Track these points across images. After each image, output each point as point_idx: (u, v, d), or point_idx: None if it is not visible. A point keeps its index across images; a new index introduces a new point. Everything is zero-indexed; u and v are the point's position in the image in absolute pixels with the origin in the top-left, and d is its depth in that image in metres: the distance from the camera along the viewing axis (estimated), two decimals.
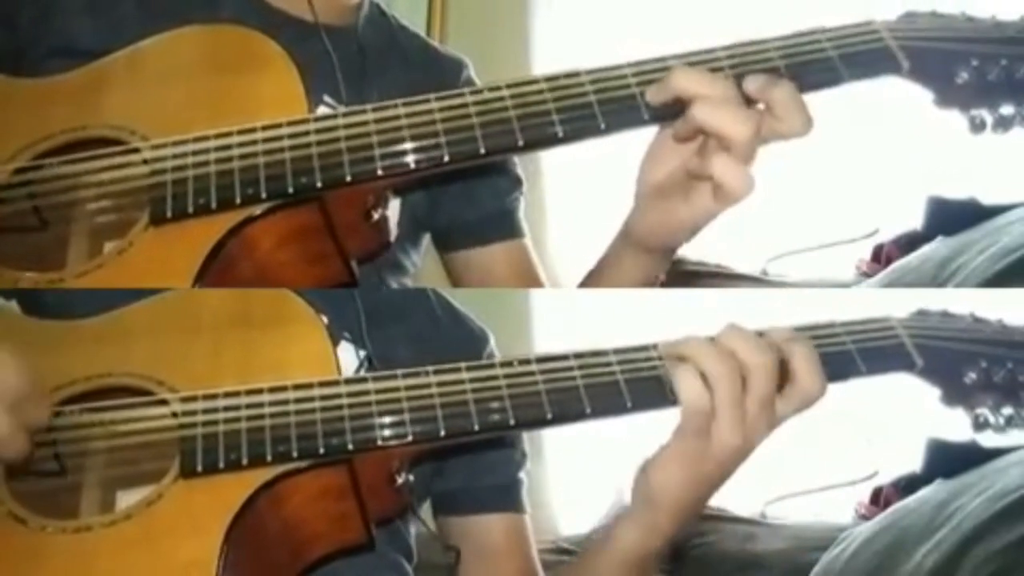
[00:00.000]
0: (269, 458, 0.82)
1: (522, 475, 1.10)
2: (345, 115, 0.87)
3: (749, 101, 0.85)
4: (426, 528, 1.08)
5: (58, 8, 1.01)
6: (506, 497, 1.08)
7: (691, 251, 1.80)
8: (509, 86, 0.87)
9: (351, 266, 0.88)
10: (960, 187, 1.82)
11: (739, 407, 0.83)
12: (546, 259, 1.26)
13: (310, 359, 0.90)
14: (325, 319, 0.95)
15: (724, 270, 1.97)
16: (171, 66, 0.94)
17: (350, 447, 0.83)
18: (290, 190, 0.84)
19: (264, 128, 0.86)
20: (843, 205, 1.93)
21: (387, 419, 0.84)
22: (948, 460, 1.55)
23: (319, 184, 0.84)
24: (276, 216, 0.85)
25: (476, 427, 0.84)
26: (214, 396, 0.86)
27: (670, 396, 0.85)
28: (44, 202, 0.88)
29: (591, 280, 1.01)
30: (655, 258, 0.96)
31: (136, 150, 0.87)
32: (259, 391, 0.86)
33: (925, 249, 1.74)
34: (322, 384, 0.86)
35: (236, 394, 0.86)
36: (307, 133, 0.86)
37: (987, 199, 1.75)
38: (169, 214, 0.84)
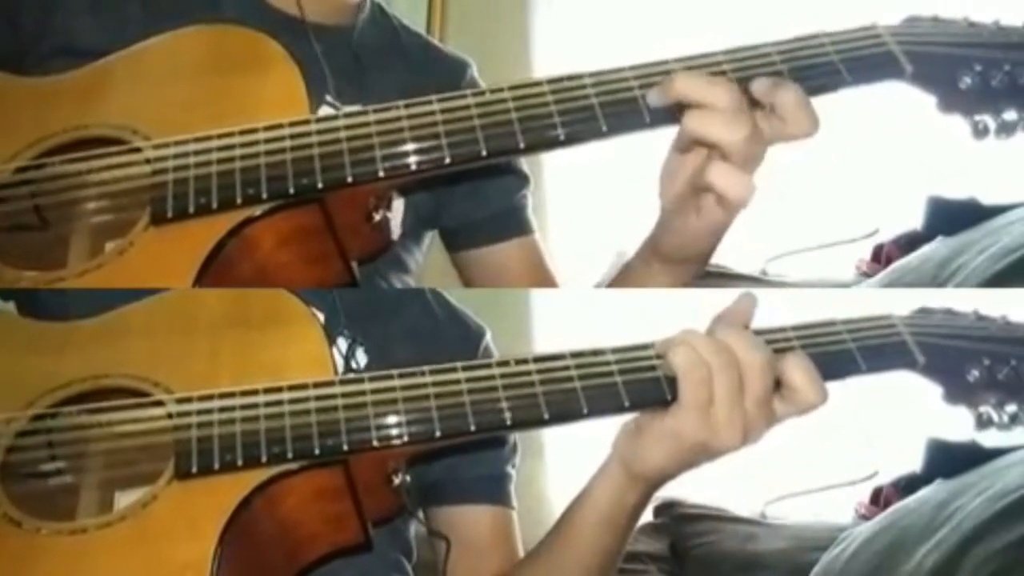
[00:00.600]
0: (264, 459, 0.82)
1: (510, 469, 1.10)
2: (346, 116, 0.86)
3: (756, 104, 0.84)
4: (425, 527, 1.07)
5: (61, 7, 1.01)
6: (492, 489, 1.08)
7: None
8: (511, 88, 0.87)
9: (351, 267, 0.88)
10: (960, 187, 1.82)
11: (737, 400, 0.83)
12: None
13: (307, 360, 0.89)
14: (321, 316, 0.95)
15: (724, 270, 1.97)
16: (173, 66, 0.94)
17: (346, 448, 0.83)
18: (291, 191, 0.84)
19: (266, 128, 0.86)
20: (843, 205, 1.93)
21: (383, 419, 0.83)
22: (948, 460, 1.55)
23: (320, 185, 0.84)
24: (277, 216, 0.84)
25: (472, 427, 0.83)
26: (209, 397, 0.85)
27: (668, 395, 0.84)
28: (45, 201, 0.88)
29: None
30: (680, 270, 0.97)
31: (138, 150, 0.87)
32: (254, 392, 0.85)
33: (925, 249, 1.74)
34: (317, 385, 0.86)
35: (231, 395, 0.85)
36: (309, 134, 0.85)
37: (987, 199, 1.75)
38: (170, 214, 0.84)
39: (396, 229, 1.05)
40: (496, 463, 1.09)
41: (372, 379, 0.86)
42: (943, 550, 1.21)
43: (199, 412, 0.85)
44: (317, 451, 0.82)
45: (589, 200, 2.19)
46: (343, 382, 0.86)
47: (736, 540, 1.81)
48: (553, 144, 0.85)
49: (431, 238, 1.17)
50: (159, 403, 0.86)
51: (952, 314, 0.93)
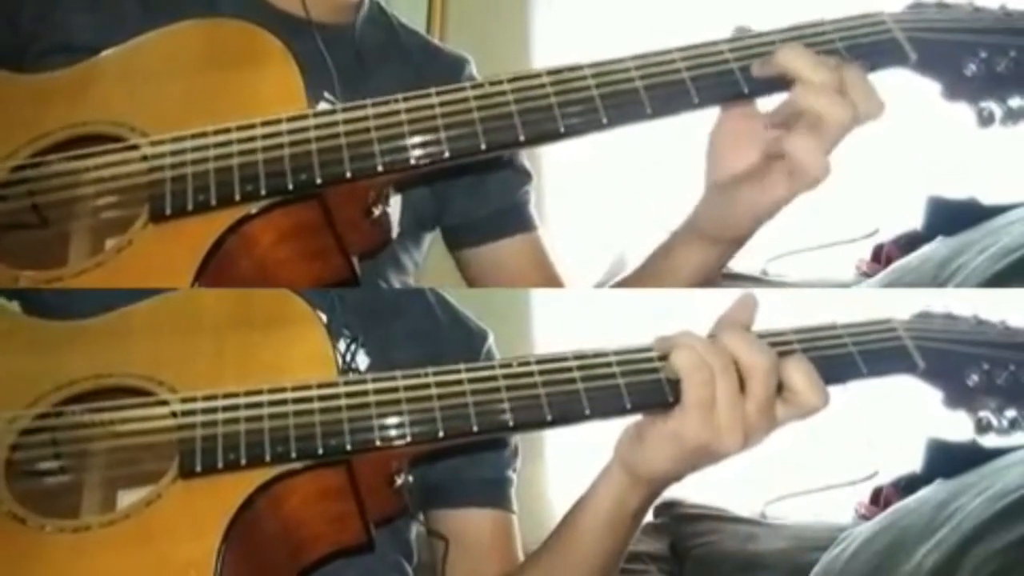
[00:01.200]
0: (268, 459, 0.82)
1: (511, 473, 1.10)
2: (345, 110, 0.86)
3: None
4: (425, 527, 1.08)
5: (59, 5, 1.01)
6: (493, 493, 1.08)
7: None
8: (511, 80, 0.86)
9: (352, 262, 0.88)
10: (960, 187, 1.82)
11: (739, 403, 0.83)
12: None
13: (311, 360, 0.89)
14: (324, 317, 0.95)
15: (724, 270, 1.96)
16: (169, 61, 0.94)
17: (349, 448, 0.83)
18: (289, 186, 0.83)
19: (263, 124, 0.86)
20: (843, 205, 1.93)
21: (386, 420, 0.84)
22: (948, 460, 1.55)
23: (318, 180, 0.83)
24: (275, 213, 0.84)
25: (475, 428, 0.83)
26: (213, 397, 0.86)
27: (670, 397, 0.84)
28: (43, 199, 0.88)
29: (646, 271, 1.01)
30: (721, 249, 0.95)
31: (135, 147, 0.87)
32: (258, 392, 0.85)
33: (925, 249, 1.74)
34: (321, 385, 0.86)
35: (235, 395, 0.86)
36: (307, 129, 0.85)
37: (987, 199, 1.75)
38: (168, 211, 0.84)
39: (394, 227, 1.05)
40: (497, 467, 1.09)
41: (375, 379, 0.86)
42: (943, 550, 1.21)
43: (203, 411, 0.85)
44: (320, 451, 0.83)
45: (588, 201, 2.19)
46: (347, 382, 0.86)
47: (736, 540, 1.81)
48: (553, 136, 0.85)
49: (430, 240, 1.17)
50: (163, 402, 0.86)
51: (952, 318, 0.93)
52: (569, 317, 2.15)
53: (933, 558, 1.21)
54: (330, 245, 0.86)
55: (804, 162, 0.83)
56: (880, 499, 1.85)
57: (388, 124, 0.85)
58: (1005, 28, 0.87)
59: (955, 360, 0.89)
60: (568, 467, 2.15)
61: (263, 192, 0.83)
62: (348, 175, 0.84)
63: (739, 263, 2.01)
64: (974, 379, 0.88)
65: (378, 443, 0.83)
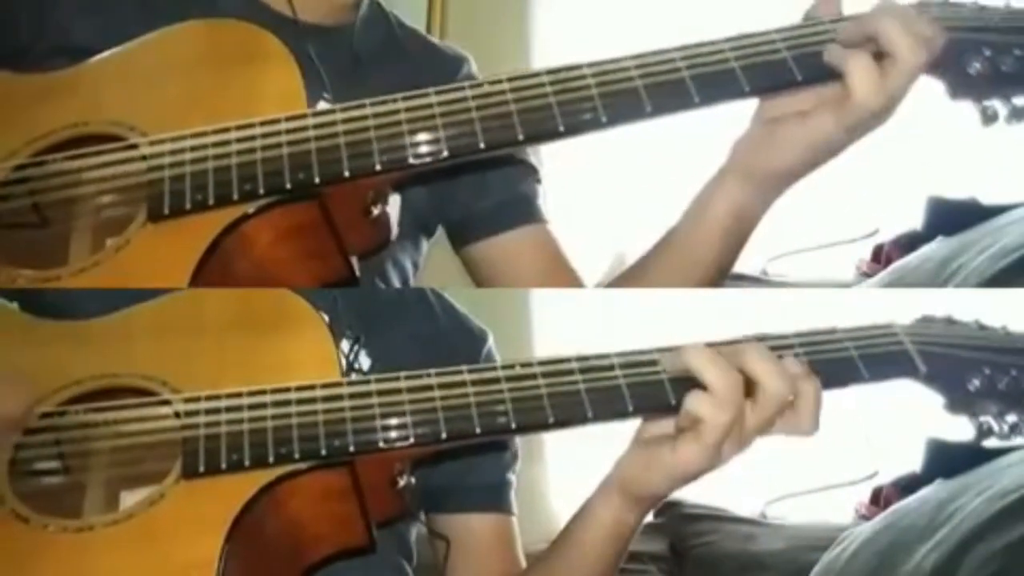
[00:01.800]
0: (271, 459, 0.82)
1: (511, 476, 1.10)
2: (344, 110, 0.86)
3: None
4: (425, 527, 1.08)
5: (58, 7, 1.00)
6: (493, 497, 1.08)
7: None
8: (510, 79, 0.86)
9: (350, 262, 0.88)
10: (960, 187, 1.82)
11: (741, 426, 0.84)
12: None
13: (314, 360, 0.89)
14: (326, 317, 0.95)
15: None
16: (169, 61, 0.94)
17: (352, 449, 0.83)
18: (288, 186, 0.83)
19: (262, 124, 0.86)
20: (843, 205, 1.93)
21: (389, 421, 0.84)
22: (948, 460, 1.55)
23: (317, 180, 0.83)
24: (274, 212, 0.84)
25: (478, 430, 0.84)
26: (216, 397, 0.86)
27: (673, 400, 0.84)
28: (44, 199, 0.88)
29: (677, 224, 0.97)
30: (757, 190, 0.92)
31: (135, 146, 0.87)
32: (262, 392, 0.86)
33: (925, 249, 1.74)
34: (324, 386, 0.86)
35: (238, 395, 0.86)
36: (305, 128, 0.85)
37: (987, 199, 1.75)
38: (166, 211, 0.84)
39: (393, 227, 1.05)
40: (497, 470, 1.09)
41: (378, 381, 0.86)
42: (943, 550, 1.21)
43: (207, 412, 0.85)
44: (324, 452, 0.83)
45: (588, 201, 2.19)
46: (350, 383, 0.86)
47: (736, 540, 1.81)
48: (552, 135, 0.85)
49: (430, 242, 1.16)
50: (166, 402, 0.87)
51: (954, 323, 0.93)
52: (569, 317, 2.15)
53: (933, 558, 1.21)
54: (328, 245, 0.86)
55: (862, 87, 0.82)
56: (880, 499, 1.86)
57: (387, 123, 0.85)
58: (1010, 26, 0.86)
59: (957, 365, 0.89)
60: (569, 469, 2.15)
61: (261, 191, 0.83)
62: (347, 174, 0.84)
63: (739, 263, 2.02)
64: (975, 384, 0.88)
65: (381, 444, 0.83)
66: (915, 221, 1.90)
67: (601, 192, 2.16)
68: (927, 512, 1.33)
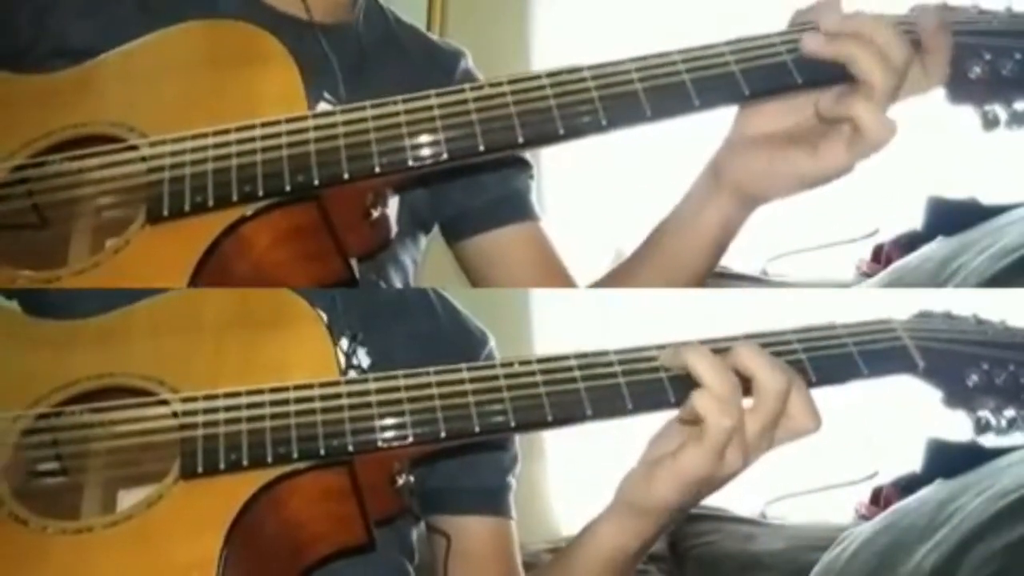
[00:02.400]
0: (270, 459, 0.82)
1: (510, 479, 1.10)
2: (344, 112, 0.86)
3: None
4: (426, 525, 1.08)
5: (57, 9, 1.00)
6: (491, 501, 1.08)
7: None
8: (510, 82, 0.86)
9: (350, 264, 0.88)
10: (960, 187, 1.82)
11: (743, 429, 0.83)
12: None
13: (312, 359, 0.89)
14: (325, 316, 0.95)
15: (724, 270, 1.97)
16: (169, 62, 0.93)
17: (351, 448, 0.83)
18: (287, 188, 0.83)
19: (263, 125, 0.86)
20: (843, 205, 1.93)
21: (388, 420, 0.84)
22: (948, 460, 1.55)
23: (316, 182, 0.83)
24: (273, 214, 0.84)
25: (477, 429, 0.83)
26: (214, 397, 0.86)
27: (672, 398, 0.84)
28: (43, 200, 0.88)
29: (666, 227, 0.98)
30: (746, 207, 0.93)
31: (135, 147, 0.87)
32: (260, 392, 0.85)
33: (925, 249, 1.74)
34: (323, 385, 0.86)
35: (237, 395, 0.86)
36: (306, 130, 0.85)
37: (987, 199, 1.75)
38: (166, 212, 0.84)
39: (392, 226, 1.05)
40: (496, 474, 1.09)
41: (377, 380, 0.86)
42: (943, 550, 1.21)
43: (205, 412, 0.85)
44: (322, 452, 0.83)
45: (587, 201, 2.19)
46: (348, 382, 0.86)
47: (736, 540, 1.81)
48: (552, 138, 0.85)
49: (429, 238, 1.17)
50: (164, 402, 0.86)
51: (952, 318, 0.93)
52: (569, 317, 2.15)
53: (933, 558, 1.21)
54: (328, 247, 0.86)
55: (869, 126, 0.83)
56: (880, 499, 1.86)
57: (387, 125, 0.85)
58: (1011, 31, 0.86)
59: (955, 360, 0.89)
60: (569, 467, 2.15)
61: (260, 193, 0.83)
62: (346, 176, 0.83)
63: (739, 263, 2.03)
64: (974, 379, 0.88)
65: (380, 444, 0.83)
66: (915, 221, 1.90)
67: (601, 189, 2.16)
68: (927, 512, 1.33)
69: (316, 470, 0.83)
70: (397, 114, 0.85)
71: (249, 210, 0.83)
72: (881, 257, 1.97)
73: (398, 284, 1.10)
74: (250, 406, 0.85)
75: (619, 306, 1.84)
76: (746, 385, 0.83)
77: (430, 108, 0.85)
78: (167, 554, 0.80)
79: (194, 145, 0.86)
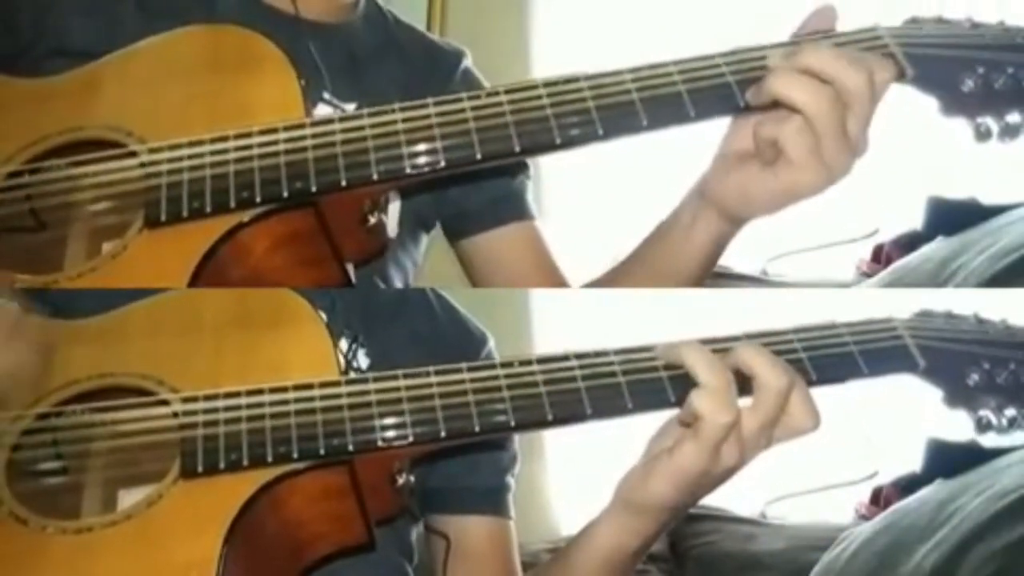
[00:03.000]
0: (270, 459, 0.82)
1: (509, 479, 1.10)
2: (342, 120, 0.86)
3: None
4: (425, 525, 1.08)
5: (56, 9, 1.00)
6: (490, 501, 1.08)
7: None
8: (507, 91, 0.86)
9: (347, 270, 0.88)
10: (960, 187, 1.82)
11: (740, 426, 0.83)
12: None
13: (312, 359, 0.89)
14: (324, 316, 0.95)
15: (724, 270, 1.97)
16: (168, 67, 0.93)
17: (351, 448, 0.83)
18: (285, 194, 0.83)
19: (260, 132, 0.86)
20: (843, 205, 1.93)
21: (388, 420, 0.84)
22: (948, 460, 1.55)
23: (314, 189, 0.84)
24: (270, 220, 0.84)
25: (477, 428, 0.83)
26: (215, 396, 0.86)
27: (672, 398, 0.84)
28: (41, 204, 0.88)
29: (656, 241, 0.99)
30: (734, 224, 0.93)
31: (133, 153, 0.87)
32: (260, 391, 0.86)
33: (925, 249, 1.74)
34: (322, 384, 0.86)
35: (237, 394, 0.86)
36: (303, 137, 0.85)
37: (987, 199, 1.75)
38: (163, 217, 0.84)
39: (392, 229, 1.05)
40: (495, 473, 1.09)
41: (377, 380, 0.86)
42: (943, 550, 1.21)
43: (204, 411, 0.85)
44: (322, 451, 0.83)
45: (586, 202, 2.19)
46: (348, 382, 0.86)
47: (736, 540, 1.81)
48: (549, 148, 0.85)
49: (429, 238, 1.17)
50: (164, 402, 0.86)
51: (952, 317, 0.93)
52: (569, 317, 2.15)
53: (933, 558, 1.21)
54: (325, 253, 0.86)
55: (790, 150, 0.84)
56: (880, 499, 1.86)
57: (384, 133, 0.85)
58: (1003, 44, 0.87)
59: (955, 359, 0.89)
60: (569, 466, 2.15)
61: (258, 199, 0.84)
62: (343, 183, 0.84)
63: (739, 263, 2.03)
64: (974, 378, 0.88)
65: (380, 443, 0.83)
66: (915, 221, 1.91)
67: (600, 194, 2.17)
68: (927, 512, 1.33)
69: (316, 469, 0.83)
70: (395, 122, 0.85)
71: (247, 216, 0.84)
72: (881, 257, 1.98)
73: (398, 284, 1.10)
74: (250, 406, 0.85)
75: (619, 306, 1.84)
76: (746, 384, 0.83)
77: (428, 117, 0.85)
78: (167, 554, 0.80)
79: (192, 151, 0.86)
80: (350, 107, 1.03)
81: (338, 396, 0.85)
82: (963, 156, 1.75)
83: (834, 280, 2.01)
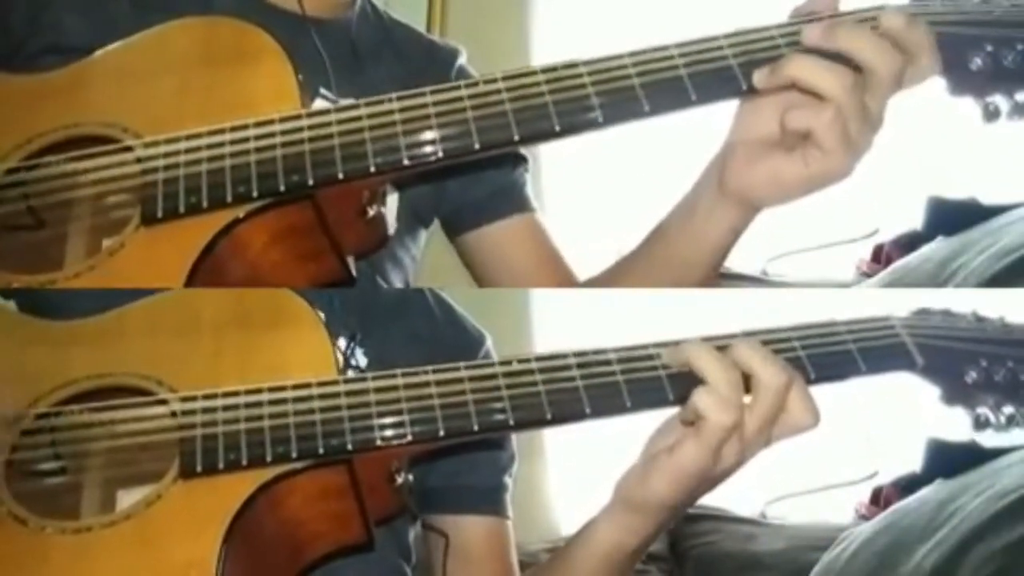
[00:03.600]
0: (268, 458, 0.82)
1: (507, 479, 1.09)
2: (338, 111, 0.86)
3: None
4: (423, 524, 1.07)
5: (51, 6, 1.00)
6: (488, 500, 1.08)
7: None
8: (505, 78, 0.85)
9: (346, 263, 0.88)
10: (960, 187, 1.82)
11: (741, 426, 0.83)
12: None
13: (311, 360, 0.89)
14: (323, 315, 0.95)
15: (724, 270, 1.96)
16: (162, 60, 0.93)
17: (349, 447, 0.83)
18: (281, 188, 0.83)
19: (256, 125, 0.85)
20: (843, 205, 1.93)
21: (386, 419, 0.84)
22: (948, 460, 1.55)
23: (311, 182, 0.83)
24: (268, 215, 0.84)
25: (475, 427, 0.83)
26: (213, 396, 0.86)
27: (671, 396, 0.84)
28: (38, 202, 0.87)
29: (671, 231, 0.97)
30: (752, 212, 0.92)
31: (129, 148, 0.87)
32: (258, 391, 0.85)
33: (925, 249, 1.74)
34: (321, 384, 0.86)
35: (235, 394, 0.85)
36: (300, 130, 0.85)
37: (987, 199, 1.75)
38: (160, 214, 0.83)
39: (392, 224, 1.05)
40: (493, 473, 1.09)
41: (375, 379, 0.86)
42: (943, 550, 1.21)
43: (203, 411, 0.85)
44: (321, 451, 0.83)
45: (587, 200, 2.19)
46: (347, 381, 0.86)
47: (736, 540, 1.81)
48: (548, 135, 0.84)
49: (427, 235, 1.16)
50: (163, 402, 0.86)
51: (950, 315, 0.93)
52: (569, 316, 2.15)
53: (933, 558, 1.21)
54: (323, 246, 0.86)
55: (814, 130, 0.83)
56: (880, 499, 1.86)
57: (381, 124, 0.84)
58: (1012, 21, 0.86)
59: (954, 357, 0.89)
60: (568, 465, 2.15)
61: (255, 194, 0.83)
62: (340, 176, 0.83)
63: (739, 263, 2.03)
64: (972, 376, 0.88)
65: (379, 443, 0.83)
66: (915, 221, 1.91)
67: (602, 187, 2.16)
68: (927, 512, 1.33)
69: (315, 469, 0.83)
70: (392, 112, 0.85)
71: (242, 212, 0.83)
72: (881, 257, 1.97)
73: (397, 282, 1.10)
74: (248, 405, 0.85)
75: (619, 306, 1.84)
76: (745, 382, 0.83)
77: (425, 106, 0.85)
78: (166, 553, 0.80)
79: (188, 146, 0.85)
80: (344, 104, 1.02)
81: (336, 395, 0.85)
82: (963, 156, 1.75)
83: (834, 280, 2.00)
